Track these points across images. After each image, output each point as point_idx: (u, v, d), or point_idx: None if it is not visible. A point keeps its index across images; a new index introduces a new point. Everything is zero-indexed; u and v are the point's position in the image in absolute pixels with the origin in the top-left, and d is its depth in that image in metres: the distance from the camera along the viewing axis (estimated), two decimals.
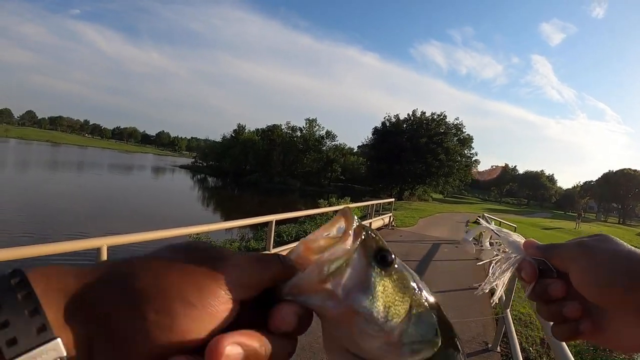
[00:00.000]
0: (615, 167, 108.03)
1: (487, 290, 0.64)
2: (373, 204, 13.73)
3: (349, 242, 0.40)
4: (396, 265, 0.44)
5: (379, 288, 0.40)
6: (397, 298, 0.41)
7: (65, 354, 0.28)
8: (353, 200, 26.36)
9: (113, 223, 19.15)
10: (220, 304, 0.34)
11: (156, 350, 0.31)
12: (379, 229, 14.66)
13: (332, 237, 0.41)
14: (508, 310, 4.84)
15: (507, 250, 0.60)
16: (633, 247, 0.49)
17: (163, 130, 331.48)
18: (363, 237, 0.42)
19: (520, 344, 6.03)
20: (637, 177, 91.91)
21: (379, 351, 0.40)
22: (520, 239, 0.60)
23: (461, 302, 7.15)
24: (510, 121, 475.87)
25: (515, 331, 6.40)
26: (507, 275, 0.60)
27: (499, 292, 0.64)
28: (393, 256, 0.43)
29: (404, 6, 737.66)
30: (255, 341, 0.34)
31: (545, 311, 0.55)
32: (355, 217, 0.43)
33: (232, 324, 0.35)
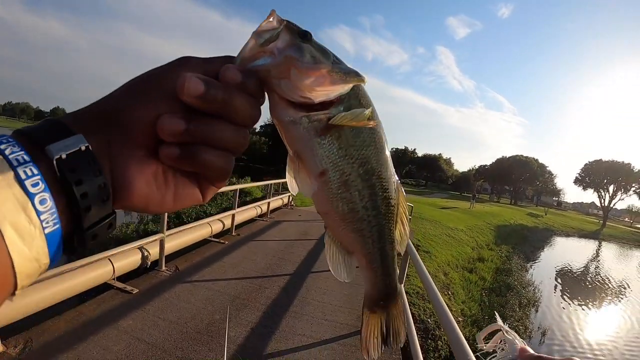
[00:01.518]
0: (509, 154, 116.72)
1: None
2: (272, 184, 13.61)
3: (275, 22, 0.50)
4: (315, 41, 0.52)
5: (305, 48, 0.49)
6: (321, 51, 0.51)
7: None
8: (254, 180, 26.13)
9: None
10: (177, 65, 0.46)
11: (150, 116, 0.43)
12: (277, 208, 14.65)
13: (264, 26, 0.50)
14: (402, 285, 4.95)
15: (505, 347, 0.71)
16: None
17: (58, 106, 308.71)
18: (286, 22, 0.51)
19: (418, 315, 6.29)
20: (528, 163, 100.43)
21: (315, 84, 0.48)
22: (519, 343, 0.70)
23: (358, 279, 7.25)
24: (413, 107, 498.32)
25: (414, 304, 6.67)
26: None
27: None
28: (310, 34, 0.52)
29: None
30: (216, 84, 0.44)
31: None
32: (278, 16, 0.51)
33: None
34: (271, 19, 0.49)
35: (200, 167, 0.45)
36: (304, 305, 5.65)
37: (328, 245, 0.61)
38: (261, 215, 12.29)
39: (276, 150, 59.22)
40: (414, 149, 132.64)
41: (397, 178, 0.59)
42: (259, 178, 32.90)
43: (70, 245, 0.39)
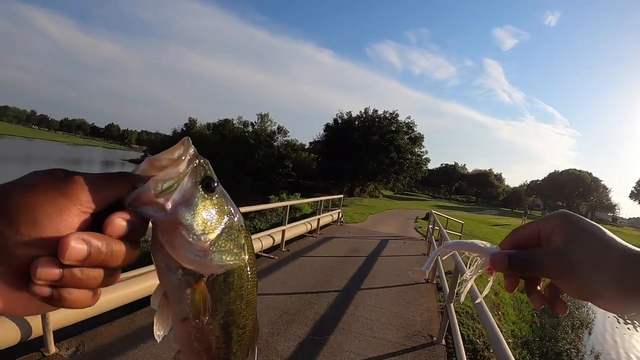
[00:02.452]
0: (561, 168, 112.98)
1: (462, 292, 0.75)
2: (322, 200, 13.66)
3: (182, 167, 0.48)
4: (218, 192, 0.52)
5: (200, 207, 0.49)
6: (214, 217, 0.50)
7: None
8: (304, 196, 26.32)
9: None
10: (73, 216, 0.42)
11: (29, 253, 0.40)
12: (327, 225, 14.66)
13: (172, 159, 0.48)
14: (452, 304, 4.86)
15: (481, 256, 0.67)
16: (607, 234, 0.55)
17: (112, 123, 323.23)
18: (195, 164, 0.50)
19: (468, 336, 6.12)
20: (581, 177, 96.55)
21: (192, 255, 0.47)
22: (496, 248, 0.66)
23: (408, 297, 7.20)
24: (461, 121, 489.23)
25: (462, 324, 6.51)
26: (480, 271, 0.67)
27: (468, 286, 0.71)
28: (217, 184, 0.52)
29: (362, 5, 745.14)
30: (99, 241, 0.43)
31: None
32: (192, 146, 0.50)
33: (86, 231, 0.43)
34: (182, 157, 0.49)
35: (68, 305, 0.44)
36: (353, 322, 5.62)
37: None
38: (311, 232, 12.32)
39: (325, 167, 59.28)
40: (464, 165, 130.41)
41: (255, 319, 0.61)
42: (307, 194, 33.18)
43: None
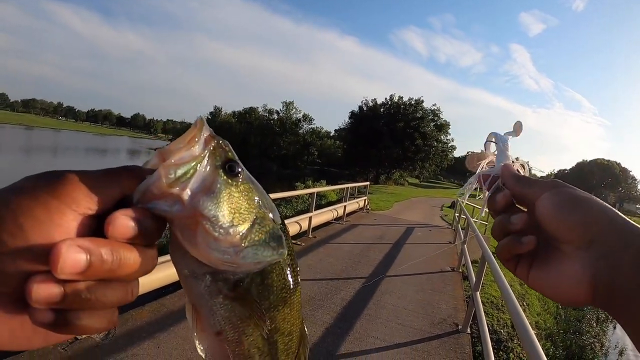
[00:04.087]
0: (590, 158, 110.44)
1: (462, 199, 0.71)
2: (348, 187, 13.69)
3: (197, 149, 0.40)
4: (243, 177, 0.44)
5: (225, 194, 0.41)
6: (242, 206, 0.42)
7: None
8: (329, 183, 26.40)
9: None
10: (69, 220, 0.34)
11: (19, 269, 0.32)
12: (353, 212, 14.69)
13: (185, 147, 0.40)
14: (477, 292, 4.87)
15: (494, 162, 0.64)
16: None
17: (138, 113, 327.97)
18: (213, 145, 0.42)
19: (492, 325, 6.12)
20: (610, 167, 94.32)
21: (220, 254, 0.40)
22: (508, 160, 0.63)
23: (433, 285, 7.21)
24: (487, 109, 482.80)
25: (487, 313, 6.49)
26: (474, 186, 0.65)
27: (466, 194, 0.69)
28: (241, 168, 0.44)
29: None
30: (101, 246, 0.34)
31: (496, 226, 0.56)
32: (207, 126, 0.43)
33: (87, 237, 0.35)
34: (195, 139, 0.41)
35: (80, 331, 0.36)
36: (379, 309, 5.68)
37: None
38: (337, 219, 12.37)
39: (351, 154, 59.21)
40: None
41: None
42: (333, 181, 33.22)
43: None
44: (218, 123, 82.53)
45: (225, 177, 0.42)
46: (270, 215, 0.45)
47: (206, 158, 0.41)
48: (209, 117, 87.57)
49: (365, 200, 16.12)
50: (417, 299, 6.34)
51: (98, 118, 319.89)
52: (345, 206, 12.80)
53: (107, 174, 0.39)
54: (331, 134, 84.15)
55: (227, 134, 77.40)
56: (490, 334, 5.08)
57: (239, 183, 0.43)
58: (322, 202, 18.58)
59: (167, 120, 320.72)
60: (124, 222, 0.36)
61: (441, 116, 58.21)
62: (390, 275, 7.41)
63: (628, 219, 0.45)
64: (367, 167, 57.45)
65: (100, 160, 58.23)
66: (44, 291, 0.32)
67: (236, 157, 0.44)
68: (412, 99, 57.67)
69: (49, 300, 0.32)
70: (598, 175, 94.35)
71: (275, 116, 79.68)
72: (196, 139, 0.41)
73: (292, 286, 0.49)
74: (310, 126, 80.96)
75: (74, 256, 0.32)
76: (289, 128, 76.89)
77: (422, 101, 57.19)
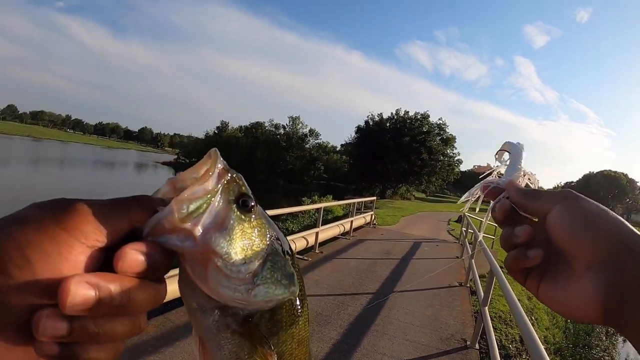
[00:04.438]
0: (596, 169, 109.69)
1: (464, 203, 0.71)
2: (354, 202, 13.68)
3: (211, 183, 0.40)
4: (256, 212, 0.44)
5: (237, 231, 0.41)
6: (255, 242, 0.42)
7: None
8: (335, 198, 26.40)
9: None
10: (77, 253, 0.34)
11: (26, 302, 0.32)
12: (360, 227, 14.67)
13: (198, 177, 0.40)
14: (486, 307, 4.84)
15: (502, 174, 0.64)
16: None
17: (146, 126, 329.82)
18: (227, 179, 0.42)
19: (500, 341, 6.07)
20: (617, 178, 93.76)
21: (231, 292, 0.40)
22: (519, 172, 0.63)
23: (441, 300, 7.17)
24: (493, 122, 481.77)
25: (495, 329, 6.45)
26: (479, 195, 0.65)
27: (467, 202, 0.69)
28: (254, 202, 0.43)
29: (390, 6, 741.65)
30: (110, 282, 0.34)
31: (502, 238, 0.56)
32: (221, 159, 0.42)
33: (96, 271, 0.35)
34: (209, 172, 0.41)
35: None
36: (386, 325, 5.65)
37: None
38: (344, 234, 12.34)
39: (357, 169, 59.29)
40: (497, 166, 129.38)
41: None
42: (339, 196, 33.23)
43: None
44: (225, 138, 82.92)
45: (238, 212, 0.42)
46: (282, 249, 0.46)
47: (219, 193, 0.41)
48: (216, 131, 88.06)
49: (372, 215, 16.09)
50: (425, 314, 6.31)
51: (106, 131, 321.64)
52: (352, 221, 12.78)
53: (116, 205, 0.38)
54: (337, 149, 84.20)
55: (233, 148, 77.84)
56: (498, 349, 5.07)
57: (252, 219, 0.43)
58: (329, 217, 18.59)
59: (174, 134, 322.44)
60: (134, 257, 0.36)
61: (447, 130, 58.34)
62: (397, 290, 7.38)
63: None
64: (374, 181, 57.42)
65: (108, 173, 58.52)
66: (51, 326, 0.32)
67: (249, 191, 0.44)
68: (418, 113, 57.91)
69: (55, 335, 0.32)
70: (605, 186, 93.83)
71: (282, 131, 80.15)
72: (210, 172, 0.41)
73: (301, 322, 0.49)
74: (316, 141, 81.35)
75: (82, 293, 0.32)
76: (296, 143, 77.17)
77: (428, 115, 57.41)
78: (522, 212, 0.56)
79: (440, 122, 58.25)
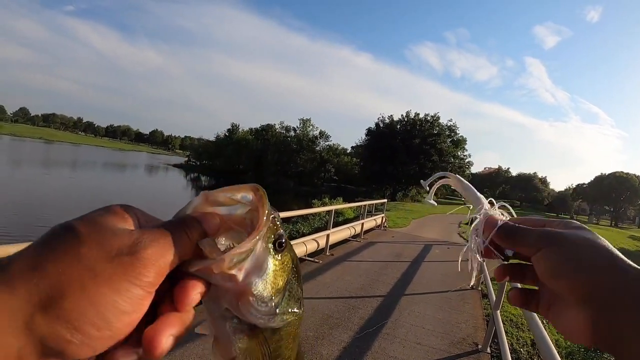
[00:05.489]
0: (608, 170, 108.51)
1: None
2: (365, 205, 13.67)
3: (258, 235, 0.44)
4: (286, 247, 0.49)
5: (272, 272, 0.46)
6: (281, 277, 0.48)
7: None
8: (346, 201, 26.34)
9: None
10: (146, 304, 0.37)
11: (94, 353, 0.34)
12: (371, 229, 14.67)
13: (233, 198, 0.45)
14: (498, 311, 4.83)
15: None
16: (601, 241, 0.49)
17: (157, 129, 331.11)
18: (269, 226, 0.46)
19: (511, 345, 6.03)
20: (629, 180, 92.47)
21: (256, 319, 0.46)
22: (487, 211, 0.63)
23: (452, 304, 7.15)
24: (503, 123, 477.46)
25: (506, 332, 6.41)
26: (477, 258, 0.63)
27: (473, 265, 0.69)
28: (285, 239, 0.48)
29: (399, 7, 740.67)
30: (178, 326, 0.39)
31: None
32: (268, 206, 0.45)
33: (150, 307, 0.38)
34: (248, 194, 0.45)
35: None
36: (397, 328, 5.66)
37: None
38: (355, 236, 12.34)
39: (367, 171, 59.24)
40: (508, 168, 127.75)
41: None
42: (349, 198, 33.18)
43: None
44: (235, 140, 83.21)
45: (273, 253, 0.47)
46: (295, 276, 0.51)
47: (261, 240, 0.45)
48: (227, 134, 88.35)
49: (382, 217, 16.06)
50: (436, 317, 6.30)
51: (117, 134, 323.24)
52: (362, 223, 12.78)
53: (170, 241, 0.39)
54: (348, 151, 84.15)
55: (244, 150, 78.11)
56: (510, 352, 5.04)
57: (282, 255, 0.48)
58: (339, 219, 18.55)
59: (185, 136, 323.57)
60: (196, 298, 0.41)
61: (457, 132, 58.16)
62: (408, 293, 7.37)
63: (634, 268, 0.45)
64: (384, 184, 57.34)
65: (120, 175, 58.92)
66: None
67: (282, 228, 0.49)
68: (428, 115, 57.86)
69: None
70: (617, 188, 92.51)
71: (292, 133, 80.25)
72: (259, 227, 0.44)
73: (297, 328, 0.55)
74: (327, 143, 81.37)
75: (169, 343, 0.37)
76: (306, 145, 77.24)
77: (439, 117, 57.34)
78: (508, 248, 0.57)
79: (451, 124, 58.17)
